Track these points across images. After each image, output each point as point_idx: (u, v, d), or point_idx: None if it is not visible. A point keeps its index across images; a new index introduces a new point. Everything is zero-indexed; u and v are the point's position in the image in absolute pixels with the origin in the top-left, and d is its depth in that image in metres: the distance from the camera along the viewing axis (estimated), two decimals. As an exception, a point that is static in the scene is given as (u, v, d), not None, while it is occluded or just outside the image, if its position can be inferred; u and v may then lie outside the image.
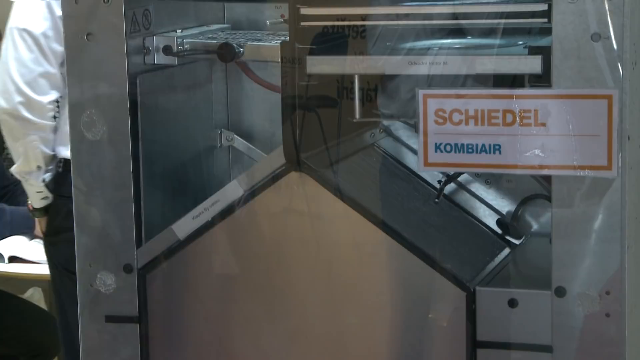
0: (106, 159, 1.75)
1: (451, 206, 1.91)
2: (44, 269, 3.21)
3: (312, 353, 1.72)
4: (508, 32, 1.67)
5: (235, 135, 2.04)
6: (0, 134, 3.06)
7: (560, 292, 1.57)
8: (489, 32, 1.67)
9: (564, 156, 1.55)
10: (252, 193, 1.73)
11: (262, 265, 1.75)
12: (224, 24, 2.07)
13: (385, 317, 1.69)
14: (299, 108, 1.69)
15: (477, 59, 1.61)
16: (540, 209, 1.87)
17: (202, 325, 1.78)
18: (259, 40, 1.89)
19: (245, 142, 2.05)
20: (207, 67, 2.00)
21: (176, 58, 1.86)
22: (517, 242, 1.87)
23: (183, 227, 1.76)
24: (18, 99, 2.88)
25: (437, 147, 1.61)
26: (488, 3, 1.63)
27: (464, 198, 1.93)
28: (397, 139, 1.94)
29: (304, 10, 1.67)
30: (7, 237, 3.56)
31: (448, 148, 1.61)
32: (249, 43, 1.85)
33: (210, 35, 1.93)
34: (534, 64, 1.57)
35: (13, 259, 3.49)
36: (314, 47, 1.68)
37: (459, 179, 1.91)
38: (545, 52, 1.56)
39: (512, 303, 1.61)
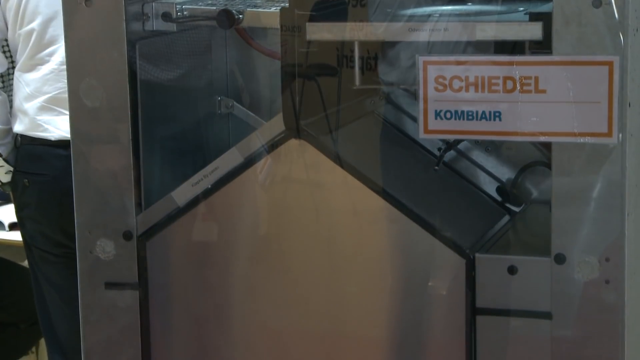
0: (105, 126, 1.75)
1: (451, 174, 1.91)
2: (44, 237, 3.20)
3: (312, 320, 1.73)
4: (509, -2, 1.66)
5: (234, 103, 2.04)
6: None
7: (559, 259, 1.57)
8: (489, -2, 1.67)
9: (564, 123, 1.55)
10: (252, 160, 1.72)
11: (261, 233, 1.75)
12: (223, -10, 2.06)
13: (385, 284, 1.69)
14: (298, 76, 1.68)
15: (477, 25, 1.60)
16: (540, 177, 1.86)
17: (201, 292, 1.78)
18: (259, 6, 1.88)
19: (244, 109, 2.04)
20: (207, 33, 1.99)
21: (175, 24, 1.85)
22: (516, 209, 1.87)
23: (182, 194, 1.76)
24: None
25: (437, 114, 1.61)
26: (488, -31, 1.63)
27: (463, 166, 1.93)
28: (397, 107, 1.93)
29: (304, -23, 1.66)
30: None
31: (448, 115, 1.60)
32: (248, 9, 1.84)
33: (209, 2, 1.92)
34: (534, 31, 1.56)
35: (14, 226, 3.49)
36: (313, 13, 1.67)
37: (458, 146, 1.91)
38: (546, 19, 1.55)
39: (512, 270, 1.61)
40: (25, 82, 2.82)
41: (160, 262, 1.78)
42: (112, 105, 1.74)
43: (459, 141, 1.87)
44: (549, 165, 1.61)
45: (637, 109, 1.56)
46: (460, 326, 1.64)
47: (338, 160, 1.69)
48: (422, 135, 1.64)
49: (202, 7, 1.88)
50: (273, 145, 1.71)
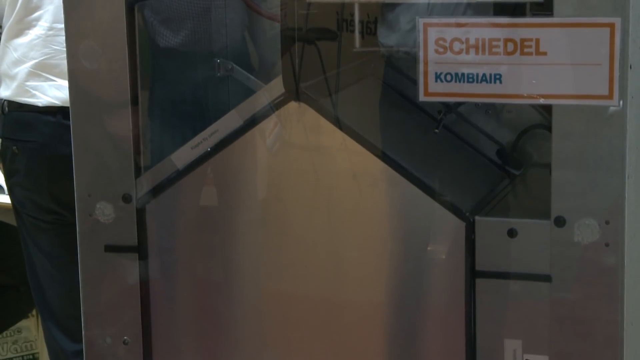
0: (104, 88, 1.74)
1: (451, 137, 1.91)
2: (44, 201, 3.20)
3: (311, 283, 1.73)
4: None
5: (234, 65, 2.03)
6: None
7: (559, 221, 1.56)
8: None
9: (564, 85, 1.54)
10: (251, 123, 1.72)
11: (260, 195, 1.75)
12: (223, -49, 2.05)
13: (385, 247, 1.69)
14: (298, 40, 1.67)
15: (478, -14, 1.59)
16: (541, 140, 1.86)
17: (201, 255, 1.78)
18: (258, -32, 1.87)
19: (244, 72, 2.03)
20: (206, -5, 1.99)
21: (174, -14, 1.84)
22: (516, 172, 1.87)
23: (182, 156, 1.76)
24: None
25: (438, 77, 1.60)
26: None
27: (464, 129, 1.93)
28: (397, 70, 1.92)
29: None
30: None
31: (448, 78, 1.60)
32: (248, -29, 1.84)
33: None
34: (535, -8, 1.56)
35: (12, 191, 3.49)
36: (313, -25, 1.67)
37: (459, 109, 1.90)
38: (547, -20, 1.54)
39: (512, 233, 1.61)
40: (13, 47, 2.80)
41: (159, 225, 1.78)
42: (111, 67, 1.73)
43: (459, 104, 1.87)
44: (549, 128, 1.60)
45: (639, 71, 1.55)
46: (460, 289, 1.64)
47: (338, 123, 1.69)
48: (422, 98, 1.63)
49: (201, -32, 1.87)
50: (272, 108, 1.71)
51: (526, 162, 1.88)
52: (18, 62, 2.80)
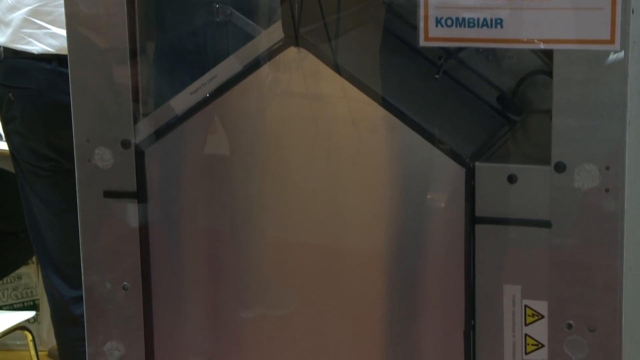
0: (102, 33, 1.73)
1: (451, 83, 1.90)
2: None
3: (311, 230, 1.73)
4: None
5: (233, 10, 2.01)
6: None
7: (559, 167, 1.56)
8: None
9: (566, 30, 1.53)
10: (250, 68, 1.71)
11: (259, 142, 1.74)
12: None
13: (384, 193, 1.69)
14: (298, -17, 1.66)
15: None
16: (541, 86, 1.85)
17: (200, 202, 1.78)
18: None
19: (243, 17, 2.02)
20: None
21: None
22: (517, 118, 1.86)
23: (181, 102, 1.75)
24: None
25: (438, 22, 1.59)
26: None
27: (464, 75, 1.91)
28: (398, 15, 1.91)
29: None
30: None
31: (449, 22, 1.59)
32: None
33: None
34: None
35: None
36: None
37: (459, 55, 1.89)
38: None
39: (512, 179, 1.61)
40: None
41: (158, 171, 1.78)
42: (109, 11, 1.72)
43: (459, 50, 1.85)
44: (550, 74, 1.59)
45: (641, 16, 1.54)
46: (459, 235, 1.64)
47: (337, 68, 1.68)
48: (422, 43, 1.62)
49: None
50: (272, 53, 1.69)
51: (527, 108, 1.87)
52: (12, 9, 2.79)
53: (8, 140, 2.93)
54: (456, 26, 1.59)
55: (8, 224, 3.83)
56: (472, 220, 1.63)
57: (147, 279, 1.81)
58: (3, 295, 4.53)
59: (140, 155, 1.77)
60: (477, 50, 1.89)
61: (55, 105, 2.74)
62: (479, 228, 1.64)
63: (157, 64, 1.84)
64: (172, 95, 1.77)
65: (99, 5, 1.72)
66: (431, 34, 1.60)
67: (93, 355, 1.86)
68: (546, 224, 1.59)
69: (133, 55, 1.74)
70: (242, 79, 1.71)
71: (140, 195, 1.78)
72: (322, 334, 1.74)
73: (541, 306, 1.61)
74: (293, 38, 1.67)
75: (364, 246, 1.70)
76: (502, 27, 1.56)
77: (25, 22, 2.77)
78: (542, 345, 1.62)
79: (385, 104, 1.66)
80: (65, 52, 1.79)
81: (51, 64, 2.76)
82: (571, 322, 1.59)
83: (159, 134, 1.77)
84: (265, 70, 1.70)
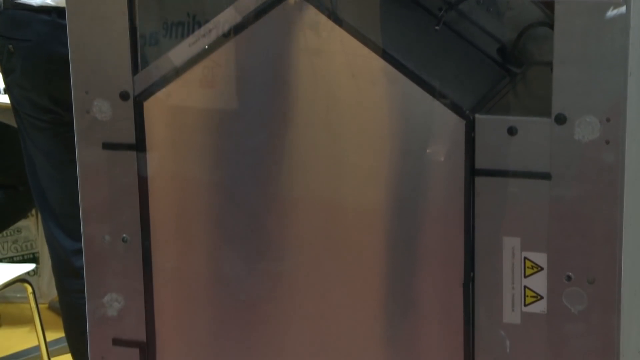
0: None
1: (451, 35, 1.89)
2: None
3: (311, 183, 1.72)
4: None
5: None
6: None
7: (560, 119, 1.56)
8: None
9: (567, -19, 1.52)
10: (249, 20, 1.70)
11: (258, 94, 1.73)
12: None
13: (384, 146, 1.68)
14: None
15: None
16: (542, 38, 1.84)
17: (198, 154, 1.78)
18: None
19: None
20: None
21: None
22: (517, 70, 1.86)
23: (179, 54, 1.74)
24: None
25: (438, -29, 1.58)
26: None
27: (464, 27, 1.90)
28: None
29: None
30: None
31: (449, -28, 1.58)
32: None
33: None
34: None
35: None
36: None
37: (460, 7, 1.88)
38: None
39: (512, 131, 1.60)
40: None
41: (157, 123, 1.77)
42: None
43: (460, 1, 1.84)
44: (551, 26, 1.58)
45: (643, -34, 1.53)
46: (459, 188, 1.64)
47: (337, 20, 1.66)
48: (422, -6, 1.61)
49: None
50: (271, 5, 1.68)
51: (527, 60, 1.87)
52: None
53: (9, 92, 2.93)
54: (457, -24, 1.57)
55: (7, 176, 3.83)
56: (472, 172, 1.63)
57: (146, 231, 1.81)
58: (3, 248, 4.54)
59: (139, 107, 1.77)
60: (477, 1, 1.88)
61: (55, 56, 2.73)
62: (478, 180, 1.63)
63: (155, 15, 1.83)
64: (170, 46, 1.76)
65: (96, -45, 1.71)
66: (432, -15, 1.59)
67: (93, 306, 1.87)
68: (546, 176, 1.58)
69: (131, 4, 1.73)
70: (241, 31, 1.70)
71: (139, 147, 1.78)
72: (322, 287, 1.74)
73: (540, 258, 1.62)
74: (292, -11, 1.66)
75: (364, 199, 1.70)
76: (503, -23, 1.55)
77: None
78: (541, 297, 1.62)
79: (385, 55, 1.65)
80: (64, 4, 1.77)
81: (50, 16, 2.74)
82: (570, 274, 1.59)
83: (158, 85, 1.76)
84: (264, 21, 1.69)
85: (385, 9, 1.83)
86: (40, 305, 3.26)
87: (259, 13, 1.69)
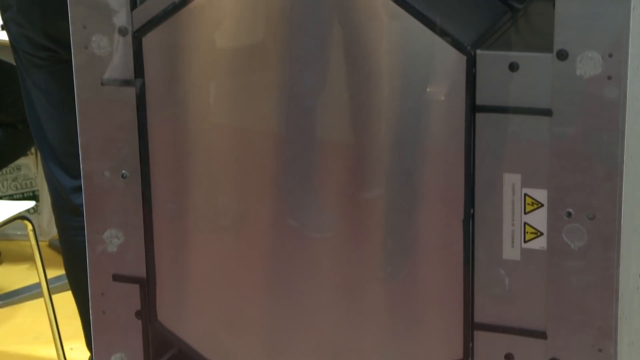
0: None
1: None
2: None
3: (309, 121, 1.71)
4: None
5: None
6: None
7: (561, 55, 1.54)
8: None
9: None
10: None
11: (257, 30, 1.72)
12: None
13: (384, 82, 1.67)
14: None
15: None
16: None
17: (197, 91, 1.77)
18: None
19: None
20: None
21: None
22: (519, 6, 1.83)
23: (178, -12, 1.73)
24: None
25: None
26: None
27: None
28: None
29: None
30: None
31: None
32: None
33: None
34: None
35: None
36: None
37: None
38: None
39: (513, 67, 1.59)
40: None
41: (156, 59, 1.76)
42: None
43: None
44: (553, -40, 1.57)
45: None
46: (460, 124, 1.63)
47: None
48: None
49: None
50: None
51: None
52: None
53: (6, 29, 2.91)
54: None
55: (6, 114, 3.83)
56: (473, 109, 1.62)
57: (145, 167, 1.81)
58: (2, 186, 4.55)
59: (137, 42, 1.75)
60: None
61: None
62: (479, 117, 1.62)
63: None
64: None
65: None
66: None
67: (92, 242, 1.87)
68: (547, 112, 1.58)
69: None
70: (241, -35, 1.69)
71: (138, 82, 1.77)
72: (322, 221, 1.74)
73: (541, 195, 1.61)
74: None
75: (364, 136, 1.69)
76: None
77: None
78: (541, 234, 1.62)
79: (385, -10, 1.64)
80: (60, -62, 1.76)
81: None
82: (570, 210, 1.59)
83: (157, 21, 1.74)
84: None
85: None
86: (40, 243, 3.27)
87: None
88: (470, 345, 1.69)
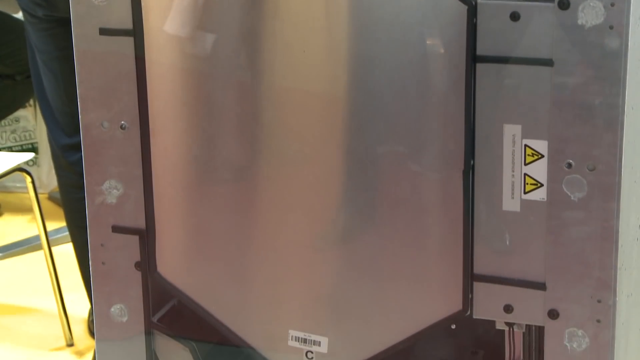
0: None
1: None
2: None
3: (309, 71, 1.70)
4: None
5: None
6: None
7: (563, 4, 1.53)
8: None
9: None
10: None
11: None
12: None
13: (383, 32, 1.66)
14: None
15: None
16: None
17: (197, 40, 1.75)
18: None
19: None
20: None
21: None
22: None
23: (177, -64, 1.72)
24: None
25: None
26: None
27: None
28: None
29: None
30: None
31: None
32: None
33: None
34: None
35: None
36: None
37: None
38: None
39: (514, 16, 1.58)
40: None
41: (155, 8, 1.75)
42: None
43: None
44: None
45: None
46: (460, 74, 1.62)
47: None
48: None
49: None
50: None
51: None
52: None
53: None
54: None
55: (4, 65, 3.81)
56: (474, 59, 1.61)
57: (144, 118, 1.80)
58: (1, 138, 4.54)
59: (136, -8, 1.75)
60: None
61: None
62: (480, 67, 1.62)
63: None
64: None
65: None
66: None
67: (91, 193, 1.87)
68: (548, 62, 1.57)
69: None
70: None
71: (137, 32, 1.76)
72: (323, 173, 1.74)
73: (541, 145, 1.61)
74: None
75: (364, 87, 1.68)
76: None
77: None
78: (541, 185, 1.62)
79: (385, -60, 1.62)
80: None
81: None
82: (571, 161, 1.59)
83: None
84: None
85: None
86: (40, 196, 3.27)
87: None
88: (470, 296, 1.69)
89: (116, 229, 1.87)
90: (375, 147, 1.70)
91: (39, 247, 3.69)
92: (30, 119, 4.54)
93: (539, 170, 1.62)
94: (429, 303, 1.72)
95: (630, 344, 1.74)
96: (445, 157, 1.66)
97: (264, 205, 1.79)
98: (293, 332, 1.81)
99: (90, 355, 3.17)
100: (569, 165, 1.59)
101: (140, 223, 1.85)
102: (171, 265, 1.87)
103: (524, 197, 1.64)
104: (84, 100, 1.82)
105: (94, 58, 1.79)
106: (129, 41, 1.76)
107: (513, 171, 1.63)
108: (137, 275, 1.88)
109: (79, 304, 3.37)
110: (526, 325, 1.71)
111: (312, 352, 1.81)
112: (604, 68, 1.53)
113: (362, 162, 1.71)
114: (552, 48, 1.56)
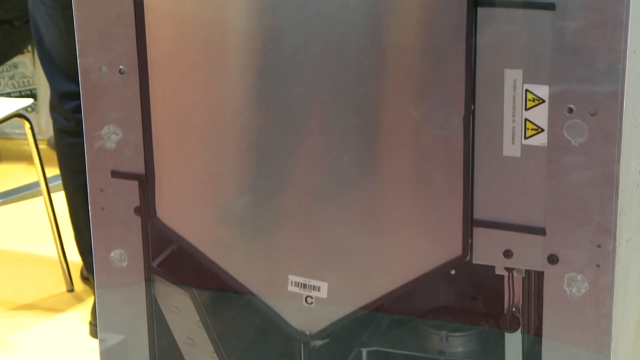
0: None
1: None
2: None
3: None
4: None
5: None
6: None
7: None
8: None
9: None
10: None
11: None
12: None
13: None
14: None
15: None
16: None
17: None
18: None
19: None
20: None
21: None
22: None
23: None
24: None
25: None
26: None
27: None
28: None
29: None
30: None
31: None
32: None
33: None
34: None
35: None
36: None
37: None
38: None
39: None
40: None
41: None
42: None
43: None
44: None
45: None
46: (462, 19, 1.61)
47: None
48: None
49: None
50: None
51: None
52: None
53: None
54: None
55: (2, 10, 3.79)
56: (475, 3, 1.60)
57: (143, 63, 1.79)
58: (0, 84, 4.52)
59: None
60: None
61: None
62: (481, 11, 1.60)
63: None
64: None
65: None
66: None
67: (90, 138, 1.86)
68: (550, 6, 1.55)
69: None
70: None
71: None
72: (323, 119, 1.73)
73: (542, 90, 1.60)
74: None
75: (364, 30, 1.67)
76: None
77: None
78: (542, 130, 1.62)
79: None
80: None
81: None
82: (572, 106, 1.58)
83: None
84: None
85: None
86: (39, 142, 3.27)
87: None
88: (470, 241, 1.69)
89: (115, 174, 1.87)
90: (375, 93, 1.69)
91: (39, 194, 3.69)
92: (28, 65, 4.52)
93: (540, 115, 1.61)
94: (429, 248, 1.72)
95: (629, 289, 1.74)
96: (446, 101, 1.65)
97: (264, 151, 1.78)
98: (293, 278, 1.82)
99: (90, 300, 3.19)
100: (570, 110, 1.58)
101: (140, 168, 1.85)
102: (171, 210, 1.87)
103: (525, 142, 1.63)
104: (82, 45, 1.81)
105: (92, 1, 1.77)
106: (128, -9, 1.75)
107: (514, 116, 1.63)
108: (137, 221, 1.88)
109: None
110: (526, 270, 1.71)
111: (311, 297, 1.81)
112: (606, 12, 1.52)
113: (363, 107, 1.70)
114: (553, -12, 1.55)
